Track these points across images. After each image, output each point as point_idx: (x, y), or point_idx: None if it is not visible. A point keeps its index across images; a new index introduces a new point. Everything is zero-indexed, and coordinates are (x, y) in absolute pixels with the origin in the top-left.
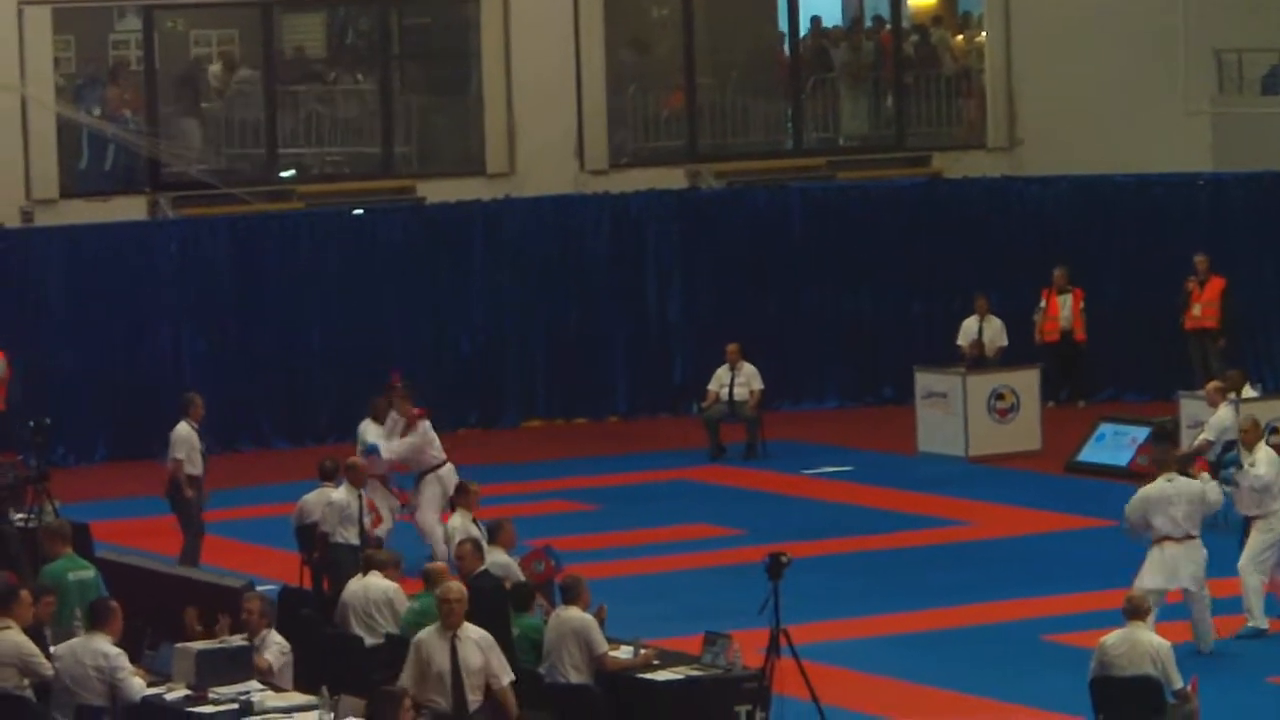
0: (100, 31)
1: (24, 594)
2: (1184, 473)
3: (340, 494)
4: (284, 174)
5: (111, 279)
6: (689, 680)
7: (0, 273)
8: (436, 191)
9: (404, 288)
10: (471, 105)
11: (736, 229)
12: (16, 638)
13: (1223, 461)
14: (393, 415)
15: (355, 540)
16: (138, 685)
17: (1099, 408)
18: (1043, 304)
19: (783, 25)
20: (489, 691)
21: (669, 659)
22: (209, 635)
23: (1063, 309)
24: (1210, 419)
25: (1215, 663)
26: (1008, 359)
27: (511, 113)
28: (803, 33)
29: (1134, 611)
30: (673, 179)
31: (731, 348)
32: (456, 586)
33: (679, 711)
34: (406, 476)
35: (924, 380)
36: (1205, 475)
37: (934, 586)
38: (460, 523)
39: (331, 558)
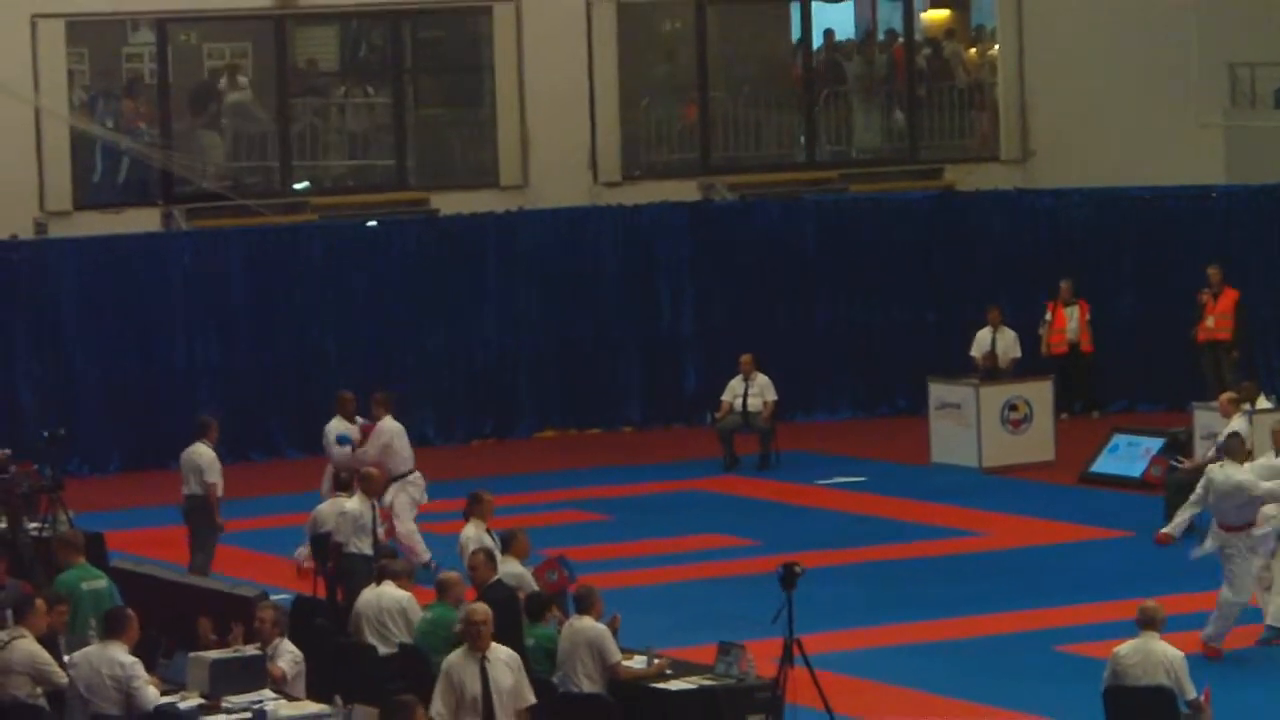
0: (114, 44)
1: (39, 603)
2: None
3: (354, 504)
4: (297, 186)
5: (125, 291)
6: (702, 690)
7: (14, 284)
8: (450, 204)
9: (417, 300)
10: (485, 118)
11: (749, 241)
12: (30, 646)
13: None
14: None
15: (369, 550)
16: (152, 694)
17: (1112, 419)
18: (1048, 316)
19: (796, 38)
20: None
21: (682, 669)
22: (222, 645)
23: (1069, 321)
24: (1223, 430)
25: (1229, 673)
26: (1021, 370)
27: (525, 125)
28: (816, 46)
29: (1147, 622)
30: (686, 191)
31: (745, 358)
32: (481, 608)
33: None
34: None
35: (937, 391)
36: None
37: (947, 597)
38: (474, 533)
39: (345, 567)
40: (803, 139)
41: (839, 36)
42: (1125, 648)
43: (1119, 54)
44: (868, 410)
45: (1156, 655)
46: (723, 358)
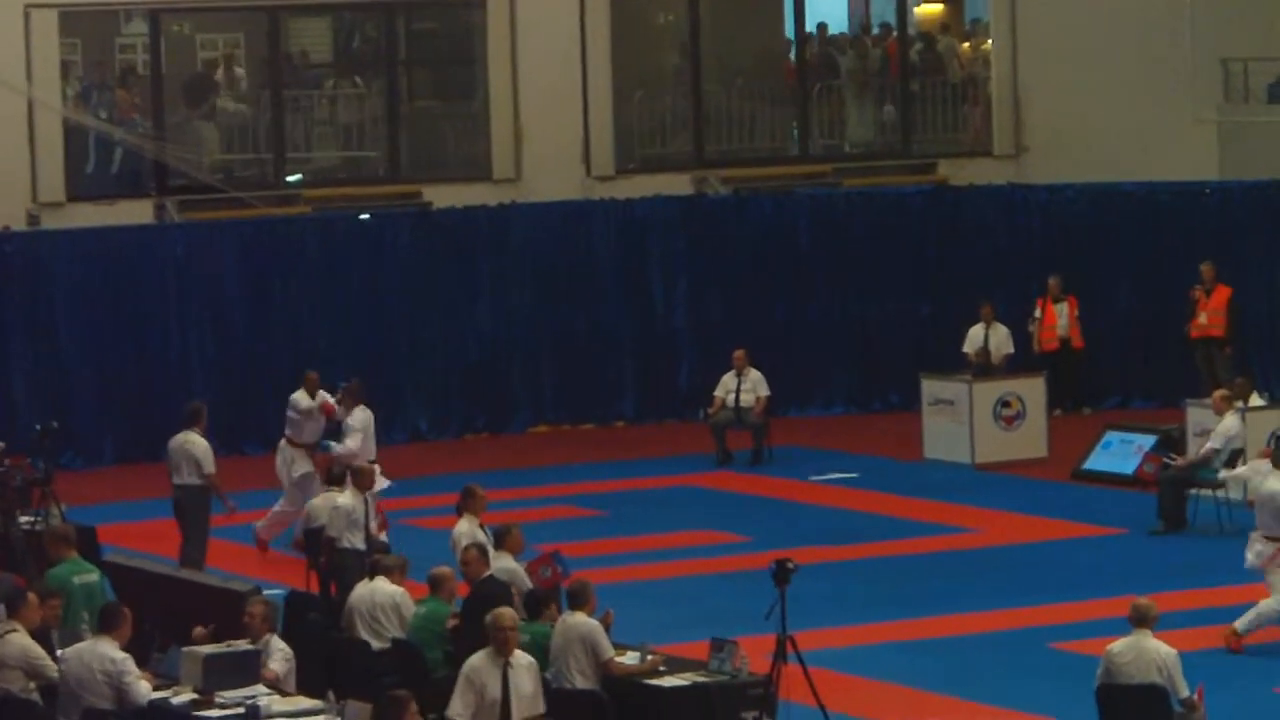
0: (107, 35)
1: (31, 597)
2: None
3: (347, 499)
4: (290, 178)
5: (118, 283)
6: (695, 686)
7: (7, 276)
8: (443, 197)
9: (410, 293)
10: (478, 110)
11: (743, 235)
12: (23, 641)
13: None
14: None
15: (361, 545)
16: (145, 689)
17: (1105, 415)
18: (1037, 313)
19: (789, 32)
20: None
21: (675, 665)
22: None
23: (1059, 318)
24: (1216, 427)
25: (1222, 672)
26: (1014, 366)
27: (518, 118)
28: (809, 39)
29: (1140, 619)
30: (679, 185)
31: (738, 354)
32: (509, 614)
33: (685, 717)
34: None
35: (930, 387)
36: None
37: (940, 593)
38: (467, 528)
39: (338, 562)
40: (796, 133)
41: (832, 30)
42: (1118, 645)
43: (1112, 49)
44: (861, 406)
45: (1149, 653)
46: (716, 352)
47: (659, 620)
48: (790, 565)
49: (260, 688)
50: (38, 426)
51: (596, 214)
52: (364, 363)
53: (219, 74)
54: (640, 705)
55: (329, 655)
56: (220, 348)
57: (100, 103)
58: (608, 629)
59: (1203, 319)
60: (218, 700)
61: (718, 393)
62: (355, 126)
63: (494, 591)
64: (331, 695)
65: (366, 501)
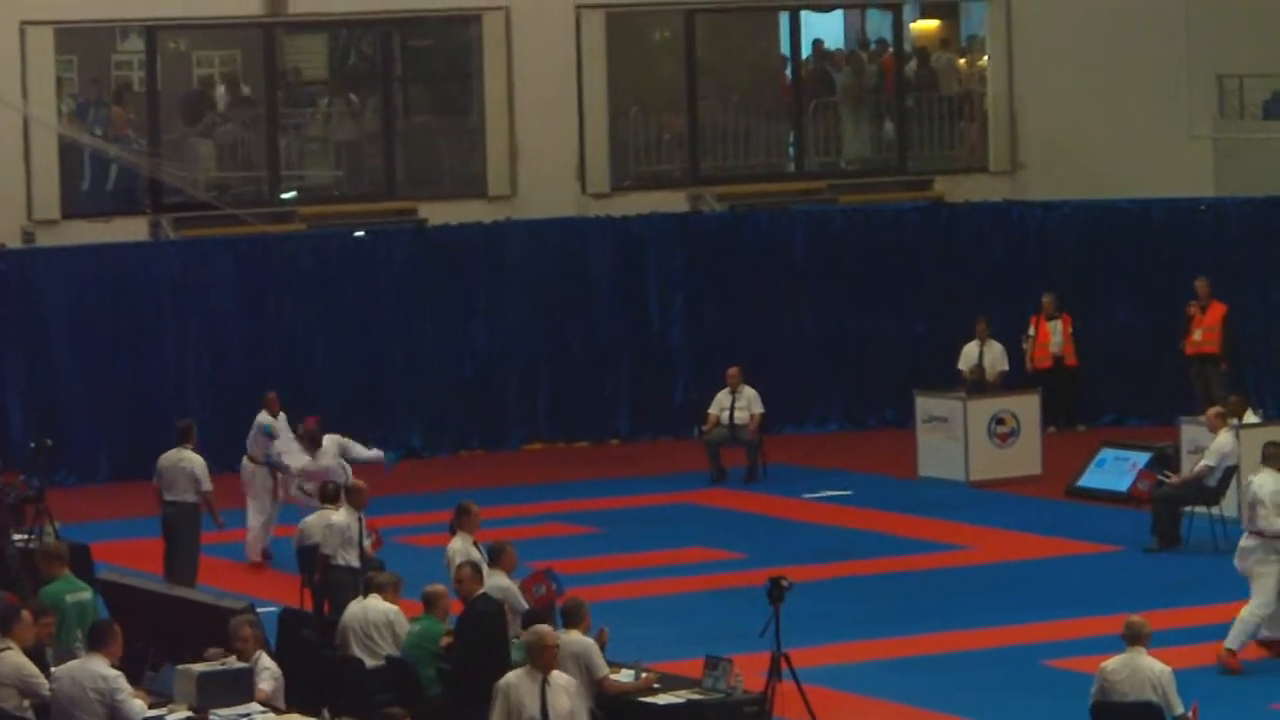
0: (103, 52)
1: (25, 614)
2: None
3: (341, 516)
4: (285, 195)
5: (113, 300)
6: (690, 704)
7: (2, 293)
8: (438, 214)
9: (405, 310)
10: (473, 127)
11: (738, 252)
12: (16, 659)
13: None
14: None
15: (355, 563)
16: (138, 707)
17: (1100, 432)
18: (1031, 331)
19: (785, 48)
20: None
21: (670, 683)
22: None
23: (1053, 335)
24: (1211, 444)
25: (1217, 689)
26: (1008, 383)
27: (513, 135)
28: (805, 56)
29: (1134, 637)
30: (674, 202)
31: (732, 371)
32: (551, 632)
33: None
34: None
35: (925, 404)
36: None
37: (934, 611)
38: (461, 545)
39: (332, 580)
40: (792, 150)
41: (828, 46)
42: (1112, 663)
43: (1108, 65)
44: (855, 423)
45: (1144, 670)
46: (711, 369)
47: (653, 638)
48: (785, 583)
49: (255, 706)
50: (32, 443)
51: (592, 231)
52: (359, 379)
53: (220, 90)
54: None
55: (323, 673)
56: (215, 365)
57: (96, 120)
58: (602, 647)
59: (1198, 336)
60: (212, 717)
61: (712, 410)
62: (351, 143)
63: (488, 609)
64: (325, 713)
65: (360, 519)
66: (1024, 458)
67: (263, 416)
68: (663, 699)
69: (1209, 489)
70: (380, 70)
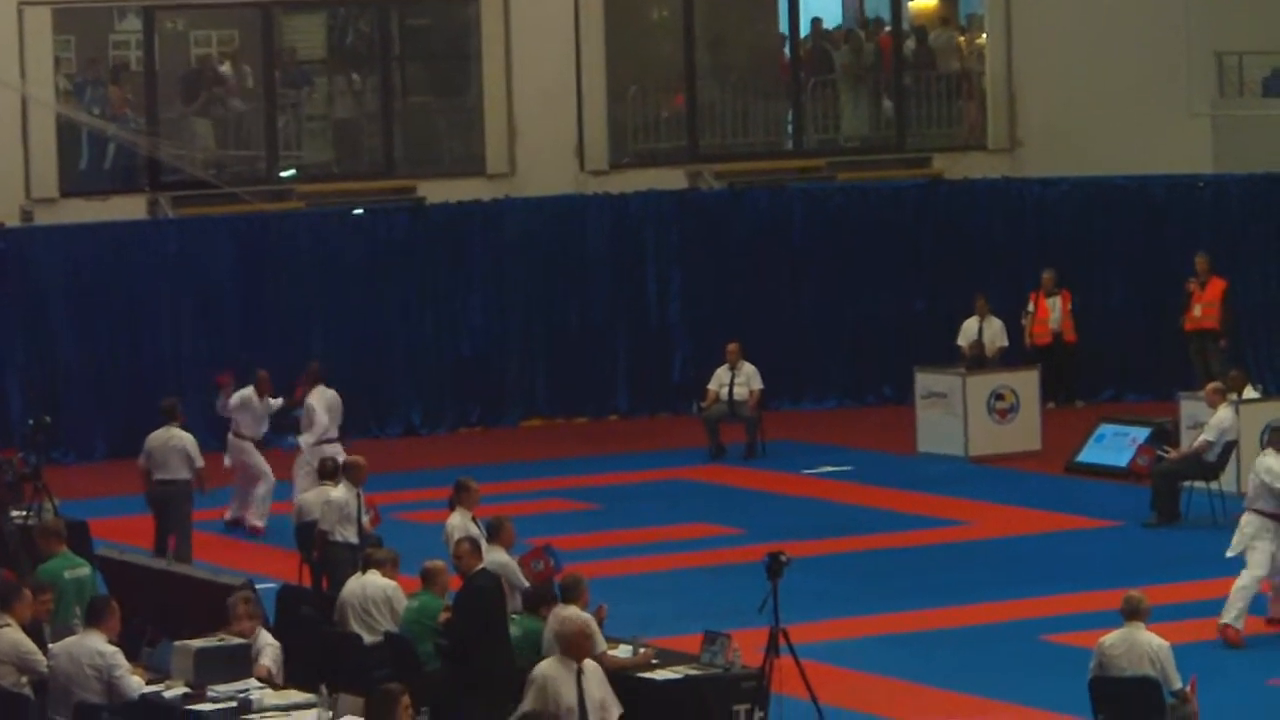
0: (100, 31)
1: (25, 591)
2: None
3: (339, 492)
4: (284, 174)
5: (111, 278)
6: (688, 679)
7: (0, 272)
8: (437, 192)
9: (404, 288)
10: (472, 106)
11: (737, 230)
12: (15, 635)
13: None
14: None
15: (354, 539)
16: (135, 683)
17: (1099, 408)
18: (1030, 308)
19: (783, 27)
20: None
21: (668, 658)
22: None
23: (1052, 311)
24: (1210, 420)
25: (1215, 664)
26: (1008, 359)
27: (512, 113)
28: (803, 34)
29: (1132, 612)
30: (673, 180)
31: (731, 347)
32: (586, 621)
33: (678, 711)
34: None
35: (924, 380)
36: None
37: (933, 586)
38: (460, 521)
39: (330, 556)
40: (790, 127)
41: (827, 25)
42: (1110, 638)
43: (1107, 42)
44: (854, 399)
45: (1142, 645)
46: (710, 346)
47: (651, 613)
48: (783, 558)
49: (252, 681)
50: (30, 421)
51: (590, 209)
52: (358, 357)
53: (225, 68)
54: (633, 699)
55: (321, 649)
56: (213, 343)
57: (93, 99)
58: (601, 623)
59: (1197, 312)
60: (209, 694)
61: (711, 386)
62: (349, 122)
63: (486, 585)
64: (324, 689)
65: (359, 495)
66: (1023, 433)
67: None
68: (661, 674)
69: (1208, 464)
70: (379, 49)
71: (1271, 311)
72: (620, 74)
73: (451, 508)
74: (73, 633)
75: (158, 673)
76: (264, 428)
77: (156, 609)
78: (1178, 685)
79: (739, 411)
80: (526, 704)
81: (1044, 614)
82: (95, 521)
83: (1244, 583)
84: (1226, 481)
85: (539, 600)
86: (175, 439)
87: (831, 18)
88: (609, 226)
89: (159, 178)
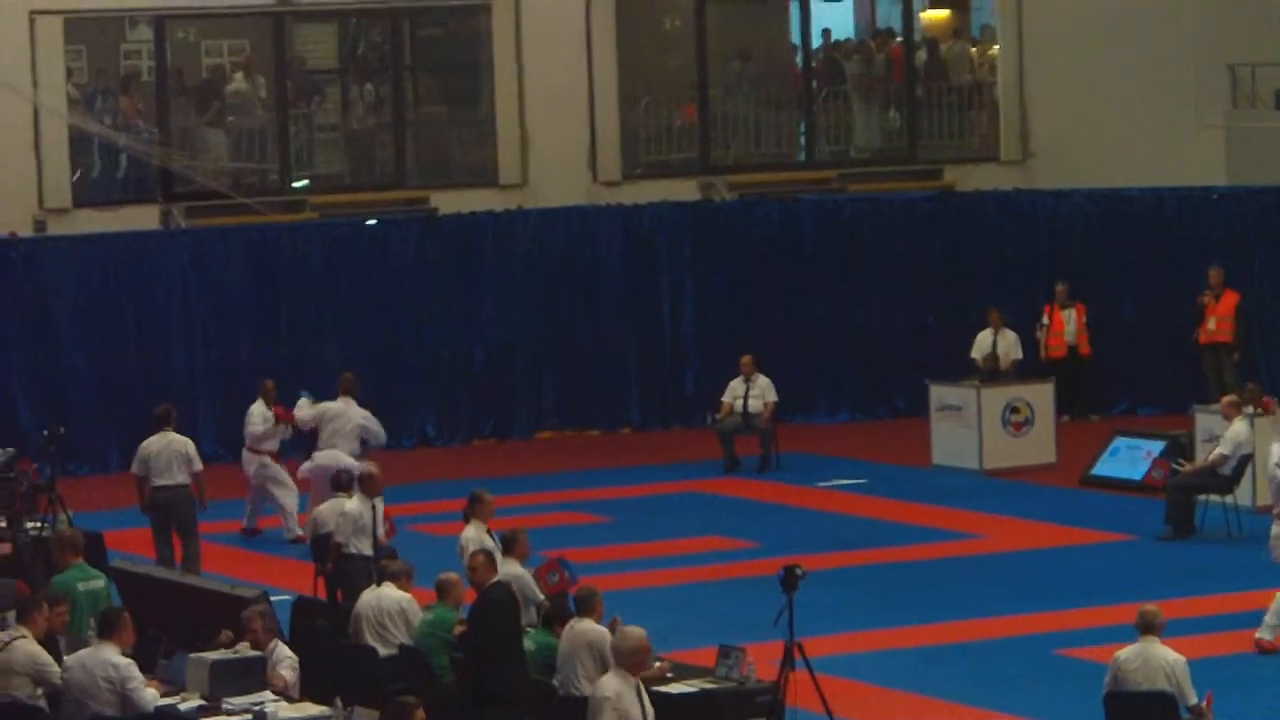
0: (112, 41)
1: (42, 603)
2: None
3: (354, 504)
4: (296, 184)
5: (124, 288)
6: (703, 693)
7: (13, 282)
8: (449, 202)
9: (416, 298)
10: (484, 116)
11: (749, 241)
12: (30, 647)
13: None
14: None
15: (369, 551)
16: (150, 695)
17: (1114, 421)
18: (1045, 320)
19: (795, 38)
20: None
21: (683, 672)
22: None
23: (1067, 324)
24: (1225, 433)
25: (1231, 679)
26: (1022, 372)
27: (524, 124)
28: (815, 45)
29: (1148, 626)
30: (685, 191)
31: (746, 359)
32: (641, 634)
33: None
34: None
35: (938, 393)
36: None
37: (948, 600)
38: (474, 534)
39: (345, 568)
40: (802, 139)
41: (838, 36)
42: (1126, 652)
43: (1119, 54)
44: (868, 412)
45: (1157, 660)
46: (723, 358)
47: (666, 627)
48: (798, 571)
49: (267, 694)
50: (44, 432)
51: (603, 219)
52: (371, 368)
53: (239, 78)
54: None
55: (336, 661)
56: (226, 354)
57: (104, 109)
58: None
59: (1211, 325)
60: (225, 706)
61: (725, 398)
62: (362, 132)
63: (501, 598)
64: (338, 701)
65: (374, 507)
66: (1038, 446)
67: (259, 407)
68: (676, 688)
69: (1223, 478)
70: (390, 59)
71: None
72: (632, 85)
73: (466, 520)
74: (87, 645)
75: (172, 685)
76: (277, 440)
77: (171, 621)
78: (1193, 700)
79: (754, 424)
80: None
81: (1059, 628)
82: (109, 533)
83: None
84: (1242, 495)
85: (556, 618)
86: (174, 443)
87: (843, 29)
88: (621, 237)
89: (171, 188)
